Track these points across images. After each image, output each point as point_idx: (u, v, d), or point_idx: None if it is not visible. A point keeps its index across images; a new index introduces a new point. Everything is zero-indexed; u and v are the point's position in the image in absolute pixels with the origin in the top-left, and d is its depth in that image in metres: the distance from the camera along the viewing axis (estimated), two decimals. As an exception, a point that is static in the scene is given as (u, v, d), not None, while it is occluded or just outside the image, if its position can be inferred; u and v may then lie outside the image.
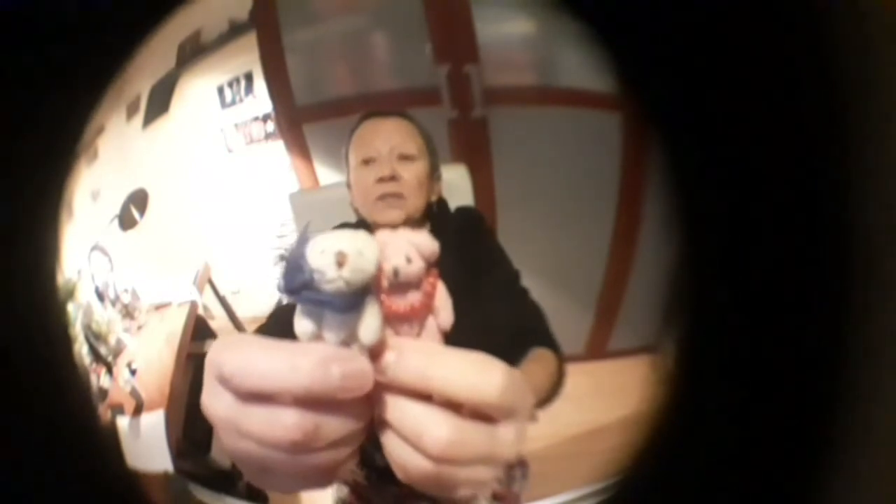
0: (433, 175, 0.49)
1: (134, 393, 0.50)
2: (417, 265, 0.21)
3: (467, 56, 0.50)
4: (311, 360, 0.19)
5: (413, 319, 0.22)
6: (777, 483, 0.29)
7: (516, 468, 0.54)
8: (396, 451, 0.22)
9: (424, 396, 0.21)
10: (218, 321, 0.54)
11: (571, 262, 0.53)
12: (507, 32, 0.52)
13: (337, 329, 0.20)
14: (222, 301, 0.53)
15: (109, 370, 0.50)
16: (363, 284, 0.19)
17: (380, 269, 0.20)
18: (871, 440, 0.27)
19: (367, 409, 0.22)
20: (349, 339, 0.20)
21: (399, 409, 0.21)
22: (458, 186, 0.51)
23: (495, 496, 0.52)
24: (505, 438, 0.22)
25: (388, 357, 0.21)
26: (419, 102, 0.51)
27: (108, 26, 0.31)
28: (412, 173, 0.47)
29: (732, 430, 0.30)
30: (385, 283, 0.21)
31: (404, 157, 0.47)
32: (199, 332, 0.53)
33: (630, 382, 0.42)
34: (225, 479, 0.53)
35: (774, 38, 0.27)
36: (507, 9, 0.52)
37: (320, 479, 0.23)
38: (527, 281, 0.47)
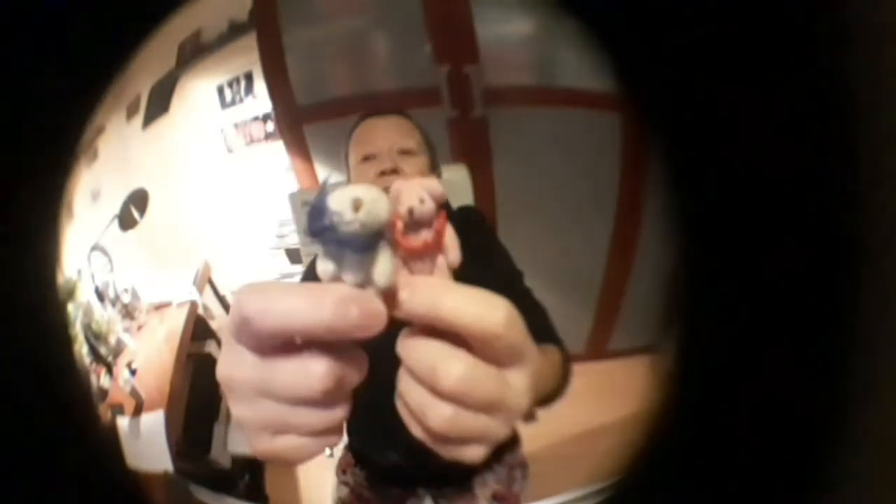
0: (433, 171, 0.49)
1: (134, 393, 0.50)
2: (429, 205, 0.24)
3: (467, 56, 0.50)
4: (332, 299, 0.20)
5: (426, 255, 0.24)
6: (777, 482, 0.29)
7: (516, 468, 0.54)
8: (413, 396, 0.23)
9: (438, 334, 0.22)
10: (218, 321, 0.54)
11: (571, 262, 0.53)
12: (507, 32, 0.52)
13: (355, 270, 0.21)
14: (222, 301, 0.53)
15: (109, 370, 0.50)
16: (378, 228, 0.21)
17: (396, 215, 0.23)
18: (872, 440, 0.27)
19: (366, 363, 0.23)
20: (365, 282, 0.21)
21: (415, 349, 0.22)
22: (458, 186, 0.51)
23: (495, 496, 0.52)
24: (514, 385, 0.23)
25: (403, 294, 0.22)
26: (419, 102, 0.51)
27: (107, 27, 0.31)
28: (413, 167, 0.47)
29: (732, 430, 0.30)
30: (401, 224, 0.24)
31: (404, 152, 0.47)
32: (199, 332, 0.53)
33: (630, 382, 0.42)
34: (225, 480, 0.53)
35: (774, 38, 0.27)
36: (507, 9, 0.52)
37: (334, 435, 0.23)
38: (527, 280, 0.47)
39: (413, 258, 0.24)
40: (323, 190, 0.21)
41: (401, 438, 0.24)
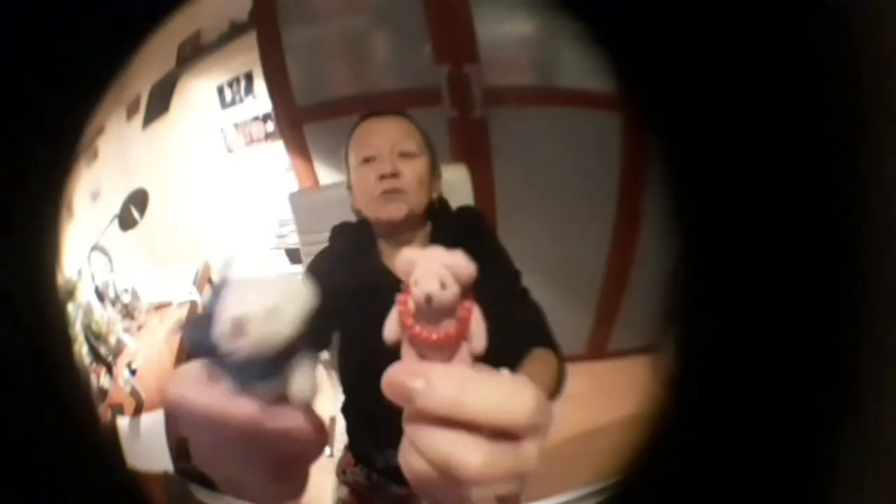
0: (434, 172, 0.49)
1: (134, 393, 0.50)
2: (452, 291, 0.19)
3: (467, 56, 0.50)
4: (242, 413, 0.18)
5: (445, 348, 0.20)
6: (777, 483, 0.29)
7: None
8: (423, 472, 0.21)
9: (453, 423, 0.20)
10: (218, 321, 0.53)
11: (571, 262, 0.53)
12: (507, 32, 0.52)
13: (263, 391, 0.18)
14: (222, 301, 0.53)
15: (109, 370, 0.50)
16: (276, 350, 0.16)
17: (407, 291, 0.19)
18: (873, 441, 0.27)
19: (317, 448, 0.22)
20: (283, 396, 0.18)
21: (426, 436, 0.21)
22: (458, 186, 0.51)
23: (495, 496, 0.52)
24: (529, 454, 0.22)
25: (416, 384, 0.20)
26: (419, 102, 0.51)
27: (108, 26, 0.31)
28: (413, 170, 0.47)
29: (732, 430, 0.30)
30: (412, 305, 0.19)
31: (405, 155, 0.47)
32: (199, 332, 0.53)
33: (630, 382, 0.42)
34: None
35: (774, 38, 0.27)
36: (507, 9, 0.52)
37: (293, 496, 0.23)
38: (527, 281, 0.47)
39: (429, 349, 0.20)
40: (212, 299, 0.16)
41: (401, 439, 0.24)
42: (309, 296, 0.17)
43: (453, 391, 0.20)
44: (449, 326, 0.19)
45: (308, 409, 0.20)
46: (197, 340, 0.16)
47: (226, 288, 0.16)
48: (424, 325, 0.19)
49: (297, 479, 0.22)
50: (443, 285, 0.18)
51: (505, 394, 0.20)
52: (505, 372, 0.21)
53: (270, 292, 0.16)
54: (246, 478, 0.21)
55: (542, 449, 0.22)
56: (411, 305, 0.19)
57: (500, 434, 0.20)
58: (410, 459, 0.21)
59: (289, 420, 0.19)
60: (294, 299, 0.16)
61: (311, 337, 0.18)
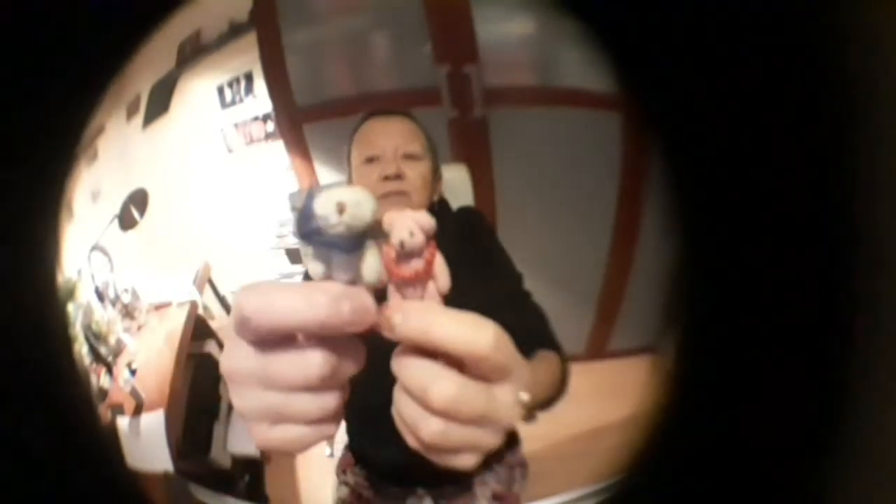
0: (435, 174, 0.49)
1: (134, 393, 0.50)
2: (419, 238, 0.25)
3: (467, 56, 0.50)
4: (325, 296, 0.22)
5: (416, 283, 0.26)
6: (777, 483, 0.29)
7: (516, 468, 0.54)
8: (407, 410, 0.24)
9: (430, 355, 0.23)
10: (218, 321, 0.54)
11: (571, 262, 0.53)
12: (507, 32, 0.52)
13: (343, 269, 0.23)
14: (222, 301, 0.53)
15: (109, 370, 0.50)
16: (363, 228, 0.22)
17: (389, 245, 0.25)
18: (872, 440, 0.27)
19: (363, 354, 0.24)
20: (355, 279, 0.23)
21: (408, 367, 0.24)
22: (458, 186, 0.51)
23: (495, 496, 0.52)
24: (503, 400, 0.24)
25: (396, 318, 0.23)
26: (419, 102, 0.51)
27: (108, 26, 0.31)
28: (417, 172, 0.47)
29: (732, 430, 0.30)
30: (393, 254, 0.25)
31: (409, 157, 0.47)
32: (199, 332, 0.53)
33: (630, 382, 0.42)
34: (225, 480, 0.53)
35: (774, 39, 0.27)
36: (507, 9, 0.52)
37: (330, 424, 0.25)
38: (526, 280, 0.47)
39: (405, 285, 0.26)
40: (309, 194, 0.22)
41: (401, 439, 0.25)
42: (373, 199, 0.22)
43: (422, 320, 0.23)
44: (418, 265, 0.26)
45: (374, 294, 0.23)
46: (304, 221, 0.21)
47: (315, 192, 0.21)
48: (401, 266, 0.25)
49: (336, 393, 0.24)
50: (411, 234, 0.25)
51: (467, 325, 0.23)
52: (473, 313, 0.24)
53: (352, 190, 0.21)
54: (297, 400, 0.23)
55: (517, 400, 0.25)
56: (392, 254, 0.25)
57: (474, 373, 0.23)
58: (401, 407, 0.24)
59: (362, 298, 0.22)
60: (369, 199, 0.22)
61: (378, 230, 0.23)
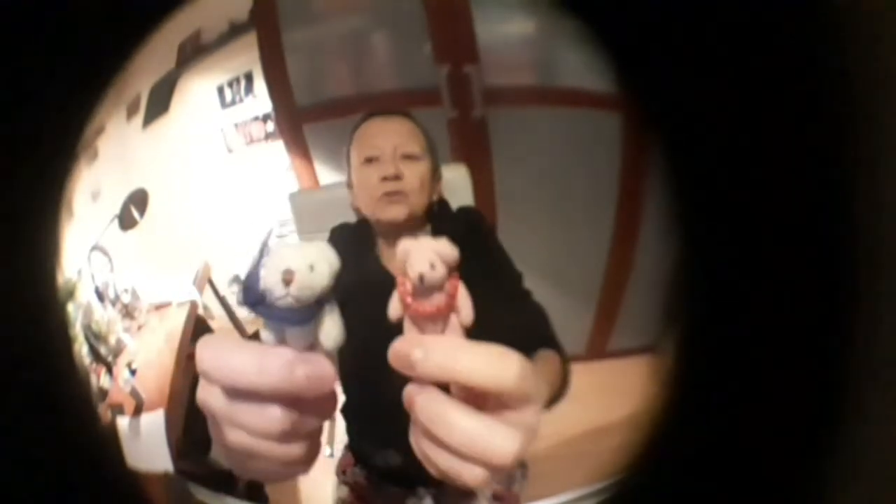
0: (435, 175, 0.49)
1: (134, 393, 0.50)
2: (440, 271, 0.23)
3: (467, 56, 0.50)
4: (279, 361, 0.21)
5: (438, 319, 0.24)
6: (777, 483, 0.29)
7: (516, 468, 0.54)
8: (423, 444, 0.24)
9: (445, 388, 0.23)
10: (218, 321, 0.54)
11: (571, 262, 0.53)
12: (507, 32, 0.52)
13: (297, 338, 0.22)
14: (222, 301, 0.53)
15: (109, 370, 0.50)
16: (316, 297, 0.20)
17: (404, 275, 0.23)
18: (872, 440, 0.27)
19: (332, 405, 0.24)
20: (313, 345, 0.22)
21: (422, 405, 0.23)
22: (458, 186, 0.51)
23: (495, 496, 0.52)
24: (519, 423, 0.23)
25: (416, 354, 0.22)
26: (419, 102, 0.51)
27: (108, 26, 0.31)
28: (416, 173, 0.47)
29: (733, 430, 0.30)
30: (409, 285, 0.23)
31: (408, 157, 0.47)
32: (199, 332, 0.53)
33: (630, 382, 0.42)
34: (225, 479, 0.53)
35: (776, 38, 0.27)
36: (507, 9, 0.52)
37: (302, 465, 0.25)
38: (527, 280, 0.47)
39: (424, 321, 0.24)
40: (259, 254, 0.20)
41: (401, 439, 0.25)
42: (336, 257, 0.21)
43: (446, 357, 0.22)
44: (439, 300, 0.23)
45: (333, 358, 0.23)
46: (248, 292, 0.20)
47: (269, 250, 0.20)
48: (420, 301, 0.23)
49: (301, 444, 0.24)
50: (432, 266, 0.22)
51: (492, 360, 0.23)
52: (497, 345, 0.23)
53: (308, 252, 0.20)
54: (263, 445, 0.23)
55: (536, 423, 0.24)
56: (408, 286, 0.23)
57: (495, 403, 0.23)
58: (417, 439, 0.24)
59: (319, 365, 0.22)
60: (326, 258, 0.20)
61: (337, 292, 0.22)
